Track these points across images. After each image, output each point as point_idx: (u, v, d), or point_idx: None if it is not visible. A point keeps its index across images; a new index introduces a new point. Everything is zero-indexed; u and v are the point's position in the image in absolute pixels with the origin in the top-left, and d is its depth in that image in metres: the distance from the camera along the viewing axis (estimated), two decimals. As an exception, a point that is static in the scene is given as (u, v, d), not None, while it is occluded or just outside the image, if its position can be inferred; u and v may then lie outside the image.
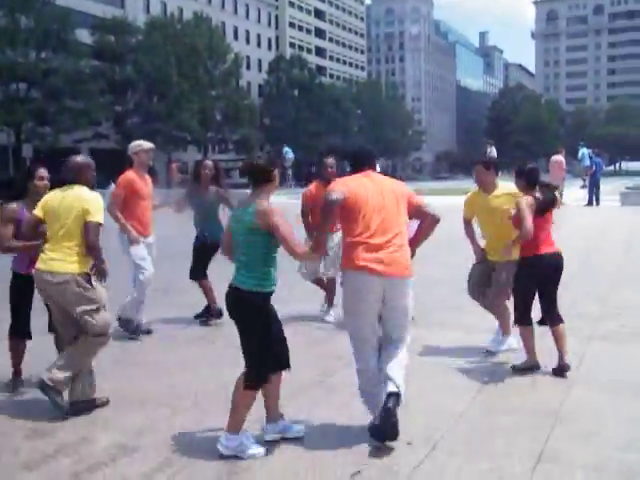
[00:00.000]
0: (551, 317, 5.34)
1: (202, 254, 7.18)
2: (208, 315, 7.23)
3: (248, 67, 77.69)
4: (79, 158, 4.88)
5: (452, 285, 8.25)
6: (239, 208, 4.00)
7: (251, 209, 3.85)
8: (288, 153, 45.63)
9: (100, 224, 4.61)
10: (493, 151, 26.51)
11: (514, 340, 5.84)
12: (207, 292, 7.18)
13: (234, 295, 3.91)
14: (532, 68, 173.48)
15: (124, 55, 51.52)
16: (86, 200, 4.61)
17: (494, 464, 3.80)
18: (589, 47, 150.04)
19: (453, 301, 7.77)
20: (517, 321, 5.41)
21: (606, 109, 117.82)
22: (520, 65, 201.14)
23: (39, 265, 4.62)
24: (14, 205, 5.02)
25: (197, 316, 7.29)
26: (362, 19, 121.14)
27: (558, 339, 5.28)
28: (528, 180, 5.35)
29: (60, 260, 4.56)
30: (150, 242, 6.85)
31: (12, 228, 4.94)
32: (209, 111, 56.84)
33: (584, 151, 24.84)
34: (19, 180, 5.29)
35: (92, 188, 4.78)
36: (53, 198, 4.70)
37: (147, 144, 6.94)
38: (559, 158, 22.88)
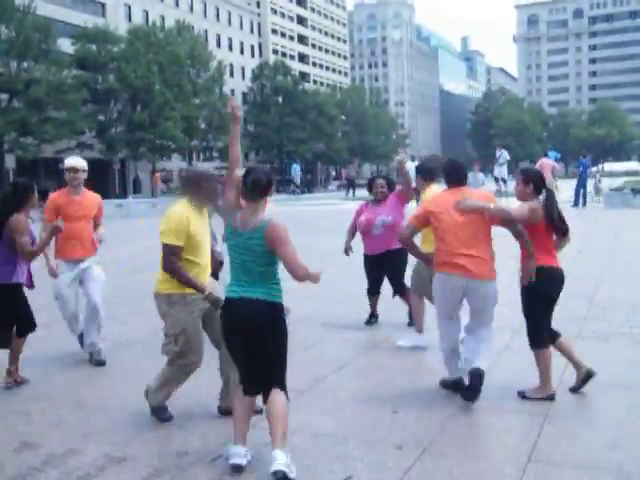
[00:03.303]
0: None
1: None
2: None
3: (231, 74, 77.60)
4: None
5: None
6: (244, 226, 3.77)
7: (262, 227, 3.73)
8: (295, 170, 46.22)
9: (166, 244, 4.37)
10: (504, 153, 27.01)
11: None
12: None
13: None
14: (514, 71, 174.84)
15: (106, 64, 51.20)
16: (164, 218, 4.44)
17: (484, 465, 3.81)
18: (570, 50, 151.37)
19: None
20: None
21: (588, 111, 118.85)
22: (502, 69, 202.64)
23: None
24: (22, 216, 5.36)
25: None
26: (344, 25, 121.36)
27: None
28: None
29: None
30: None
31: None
32: (193, 119, 56.66)
33: (551, 154, 25.17)
34: (21, 193, 5.45)
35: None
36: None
37: (67, 162, 6.16)
38: (549, 161, 23.14)
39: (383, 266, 6.98)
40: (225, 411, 4.50)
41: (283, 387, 3.79)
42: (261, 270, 3.77)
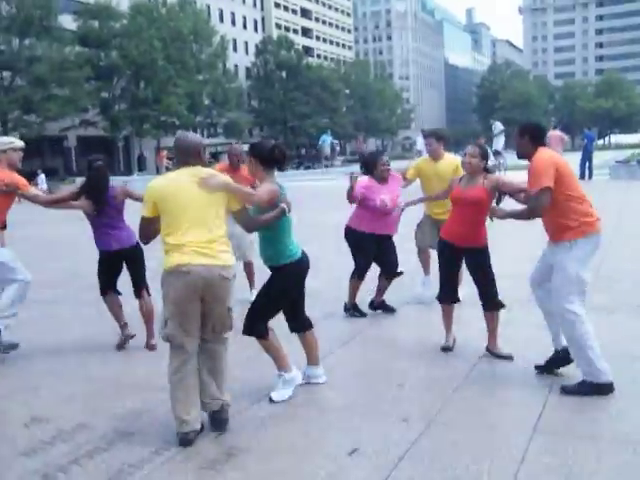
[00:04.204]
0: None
1: None
2: None
3: (235, 50, 76.99)
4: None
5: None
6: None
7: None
8: (326, 141, 45.36)
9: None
10: (497, 124, 27.04)
11: None
12: None
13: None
14: (520, 44, 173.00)
15: (109, 41, 50.84)
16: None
17: (490, 436, 3.84)
18: (576, 21, 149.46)
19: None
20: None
21: (595, 83, 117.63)
22: (508, 41, 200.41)
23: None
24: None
25: None
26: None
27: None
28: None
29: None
30: None
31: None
32: (197, 95, 56.35)
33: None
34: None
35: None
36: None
37: (19, 143, 5.79)
38: (559, 133, 23.04)
39: (380, 247, 6.57)
40: None
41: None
42: None
